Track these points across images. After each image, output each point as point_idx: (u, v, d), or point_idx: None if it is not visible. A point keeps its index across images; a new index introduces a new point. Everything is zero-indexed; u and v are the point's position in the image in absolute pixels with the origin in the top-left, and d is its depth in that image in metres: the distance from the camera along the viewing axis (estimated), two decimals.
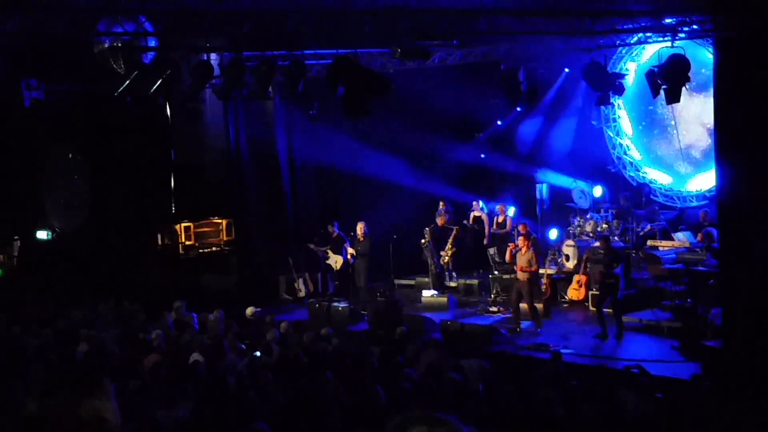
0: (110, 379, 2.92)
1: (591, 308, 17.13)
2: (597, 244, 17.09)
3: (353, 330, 16.84)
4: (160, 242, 19.81)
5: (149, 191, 19.87)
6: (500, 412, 8.96)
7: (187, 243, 19.78)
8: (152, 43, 14.07)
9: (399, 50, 14.08)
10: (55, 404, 2.77)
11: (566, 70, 21.10)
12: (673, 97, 14.06)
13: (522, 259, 16.34)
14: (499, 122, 22.99)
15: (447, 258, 19.45)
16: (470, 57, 18.62)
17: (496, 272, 19.18)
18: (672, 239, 18.80)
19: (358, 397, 9.42)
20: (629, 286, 17.28)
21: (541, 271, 17.90)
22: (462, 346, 14.51)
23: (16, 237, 21.06)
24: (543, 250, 19.41)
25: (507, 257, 17.32)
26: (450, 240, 19.48)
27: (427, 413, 2.45)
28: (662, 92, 14.11)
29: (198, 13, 12.98)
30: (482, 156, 23.11)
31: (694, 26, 14.43)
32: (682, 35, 14.62)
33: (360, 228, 18.60)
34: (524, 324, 16.37)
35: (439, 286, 19.28)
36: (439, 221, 19.74)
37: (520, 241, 16.70)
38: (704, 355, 13.46)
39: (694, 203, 20.56)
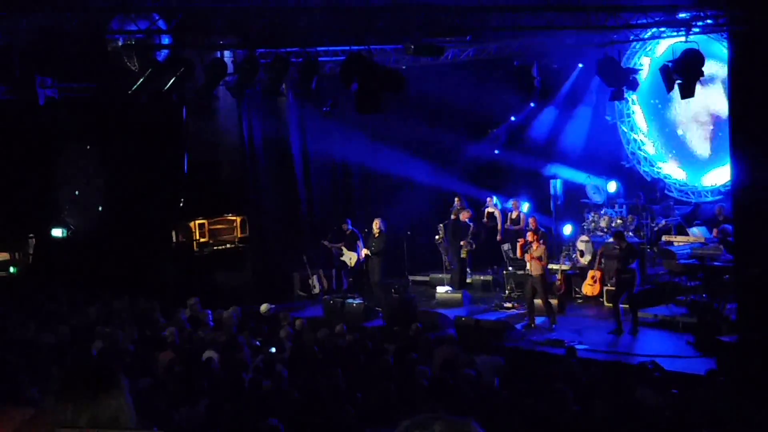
0: (125, 375, 2.94)
1: (606, 304, 17.11)
2: (611, 239, 17.04)
3: (368, 326, 16.83)
4: (174, 239, 19.87)
5: (163, 188, 19.91)
6: (514, 408, 8.95)
7: (202, 240, 19.83)
8: (166, 40, 14.10)
9: (412, 47, 14.07)
10: (71, 401, 2.79)
11: (580, 65, 21.02)
12: (688, 92, 14.04)
13: (534, 254, 16.29)
14: (512, 118, 22.92)
15: (464, 254, 19.36)
16: (483, 53, 18.60)
17: (510, 268, 19.14)
18: (687, 234, 18.71)
19: (372, 394, 9.44)
20: (644, 282, 17.22)
21: (556, 267, 17.87)
22: (476, 342, 14.48)
23: (31, 235, 21.17)
24: (557, 246, 19.36)
25: (518, 253, 17.32)
26: (467, 236, 19.40)
27: (445, 416, 2.40)
28: (677, 87, 14.09)
29: (212, 11, 13.03)
30: (496, 152, 23.04)
31: (708, 21, 14.37)
32: (696, 30, 14.56)
33: (376, 224, 18.57)
34: (538, 320, 16.35)
35: (458, 283, 19.24)
36: (463, 216, 19.63)
37: (530, 236, 16.67)
38: (719, 351, 13.43)
39: (709, 198, 20.45)
